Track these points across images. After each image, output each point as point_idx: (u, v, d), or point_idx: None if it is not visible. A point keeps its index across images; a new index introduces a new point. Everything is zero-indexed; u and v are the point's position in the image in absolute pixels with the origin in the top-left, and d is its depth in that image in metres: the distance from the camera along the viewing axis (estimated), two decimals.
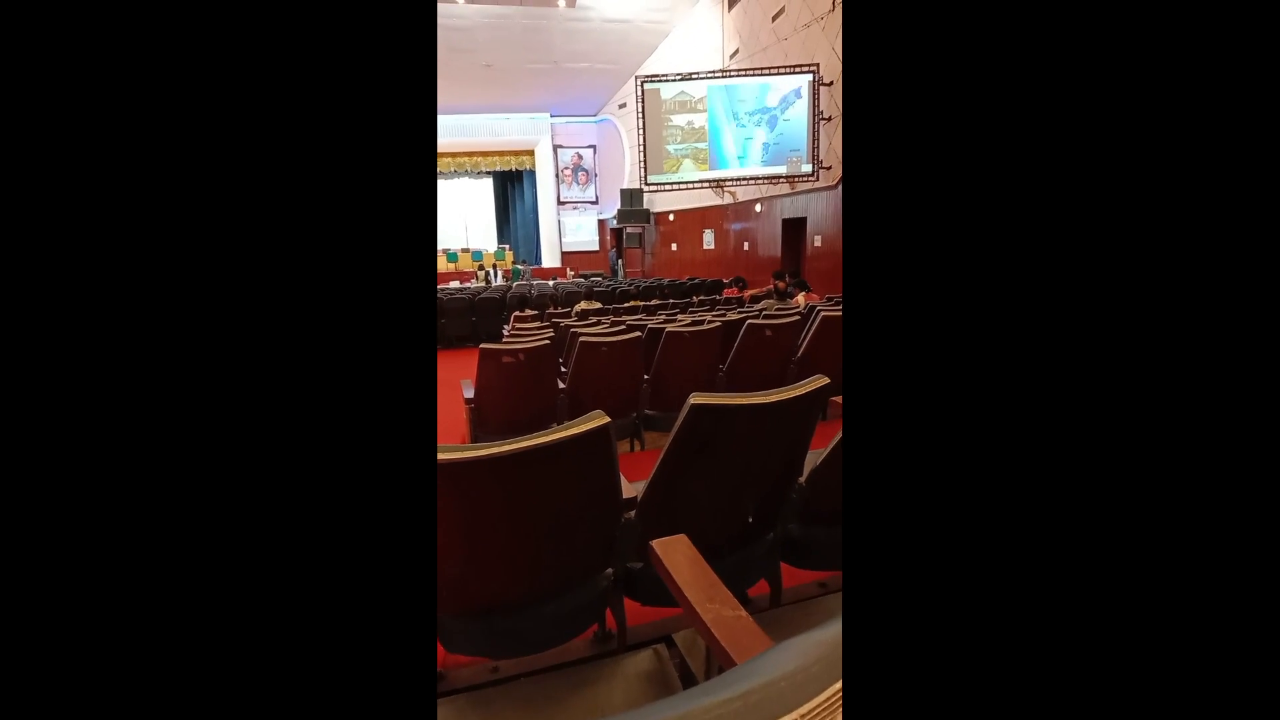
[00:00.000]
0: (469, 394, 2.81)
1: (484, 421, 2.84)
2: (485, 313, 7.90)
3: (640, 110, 10.42)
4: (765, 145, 9.48)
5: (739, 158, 9.90)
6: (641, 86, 10.35)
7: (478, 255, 14.25)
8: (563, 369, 3.11)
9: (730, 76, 9.89)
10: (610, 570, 1.20)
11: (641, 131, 10.51)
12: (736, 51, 10.21)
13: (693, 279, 9.57)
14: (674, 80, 10.25)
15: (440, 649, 1.17)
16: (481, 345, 2.74)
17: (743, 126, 9.82)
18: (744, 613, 0.71)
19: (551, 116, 14.38)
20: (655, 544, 0.87)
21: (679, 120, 10.28)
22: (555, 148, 14.63)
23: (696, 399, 1.12)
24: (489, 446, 0.96)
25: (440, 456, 0.93)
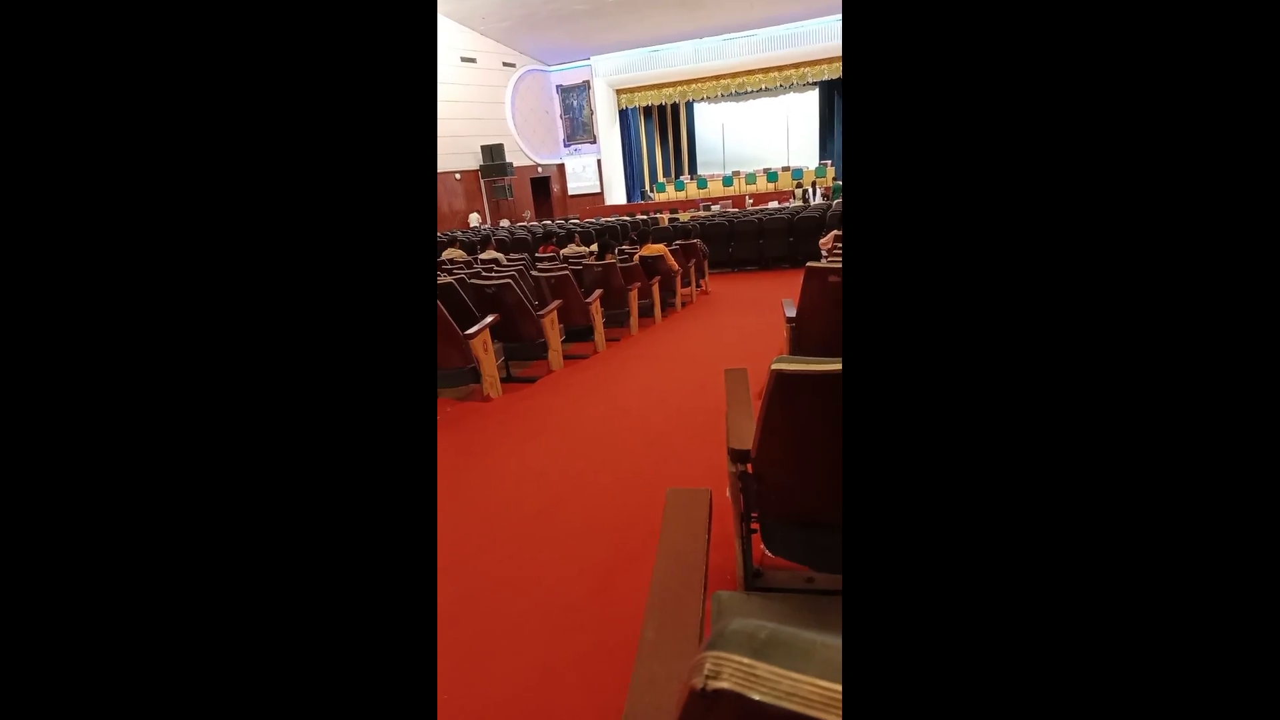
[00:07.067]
0: (790, 313, 2.82)
1: (802, 340, 2.83)
2: (803, 233, 7.73)
3: None
4: None
5: None
6: None
7: (798, 174, 13.86)
8: None
9: None
10: None
11: None
12: None
13: None
14: None
15: (759, 547, 1.25)
16: (808, 264, 2.70)
17: None
18: None
19: None
20: None
21: None
22: None
23: None
24: (823, 362, 0.95)
25: (776, 367, 0.95)
